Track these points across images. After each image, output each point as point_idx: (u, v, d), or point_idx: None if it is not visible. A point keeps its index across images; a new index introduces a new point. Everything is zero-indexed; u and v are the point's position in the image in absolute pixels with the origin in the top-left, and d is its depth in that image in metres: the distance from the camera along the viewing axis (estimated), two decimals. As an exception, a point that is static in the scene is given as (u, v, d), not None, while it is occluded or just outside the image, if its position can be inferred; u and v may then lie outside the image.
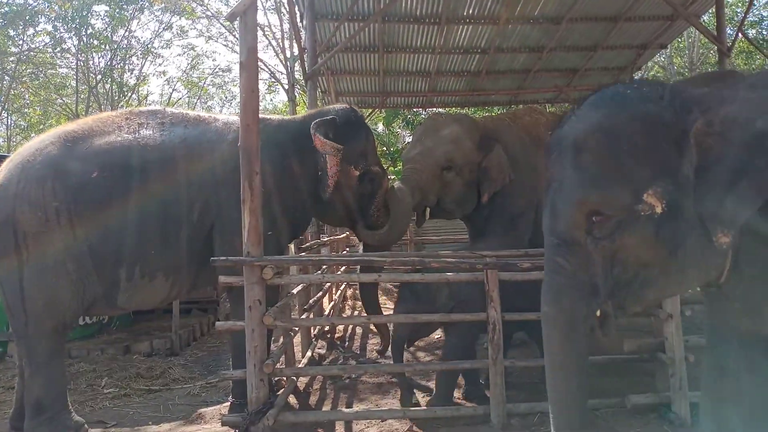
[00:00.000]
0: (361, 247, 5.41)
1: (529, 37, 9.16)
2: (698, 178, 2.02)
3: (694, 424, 3.68)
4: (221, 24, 18.93)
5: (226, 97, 23.44)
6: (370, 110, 12.78)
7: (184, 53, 20.96)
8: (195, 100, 22.90)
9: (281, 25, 16.07)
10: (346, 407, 4.12)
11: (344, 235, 9.30)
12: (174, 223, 4.18)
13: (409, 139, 19.62)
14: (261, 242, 3.80)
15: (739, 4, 15.19)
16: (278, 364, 4.03)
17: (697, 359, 3.93)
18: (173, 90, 22.08)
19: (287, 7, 7.60)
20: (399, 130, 18.66)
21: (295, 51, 11.16)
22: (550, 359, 2.25)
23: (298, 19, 8.12)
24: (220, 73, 23.16)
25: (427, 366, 4.48)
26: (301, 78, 13.88)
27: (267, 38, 17.96)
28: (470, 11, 8.30)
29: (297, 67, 12.77)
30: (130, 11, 16.93)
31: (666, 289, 2.40)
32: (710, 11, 9.32)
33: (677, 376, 3.74)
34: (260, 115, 4.79)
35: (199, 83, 22.01)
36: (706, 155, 2.01)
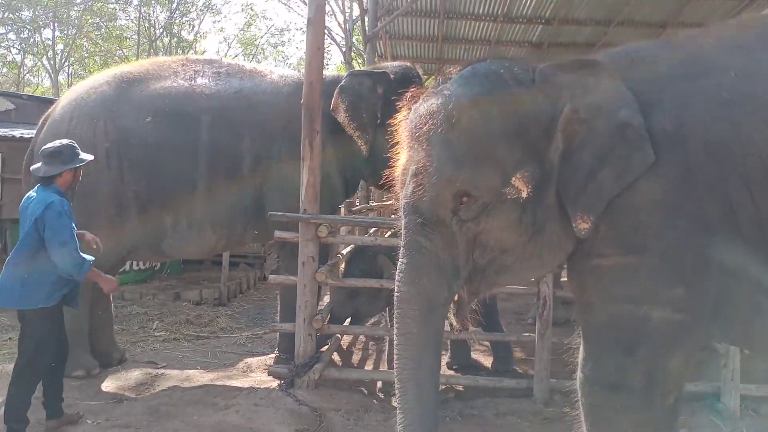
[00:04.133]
0: None
1: (596, 9, 8.81)
2: (563, 164, 2.04)
3: (743, 417, 3.60)
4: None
5: (281, 58, 23.51)
6: (426, 78, 12.57)
7: (242, 10, 20.95)
8: (250, 59, 23.06)
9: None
10: (388, 368, 4.17)
11: (391, 201, 9.32)
12: (224, 176, 4.18)
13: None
14: (318, 200, 3.83)
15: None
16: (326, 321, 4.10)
17: (752, 353, 3.84)
18: (229, 47, 22.26)
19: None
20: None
21: (355, 13, 11.07)
22: (402, 340, 2.13)
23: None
24: (276, 32, 23.14)
25: (472, 336, 4.47)
26: (357, 41, 13.81)
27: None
28: (538, -21, 8.05)
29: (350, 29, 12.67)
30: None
31: (520, 274, 2.37)
32: None
33: (730, 367, 3.65)
34: None
35: (255, 42, 22.11)
36: (571, 142, 2.03)
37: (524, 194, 1.99)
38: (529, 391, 3.87)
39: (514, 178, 1.99)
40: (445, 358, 4.64)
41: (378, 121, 4.44)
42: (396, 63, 4.86)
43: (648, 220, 1.98)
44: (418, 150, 2.09)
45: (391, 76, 4.52)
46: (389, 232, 6.64)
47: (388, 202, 9.06)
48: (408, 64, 4.80)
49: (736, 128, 1.90)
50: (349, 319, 4.93)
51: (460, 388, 3.98)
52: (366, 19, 7.28)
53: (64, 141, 3.25)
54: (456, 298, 2.22)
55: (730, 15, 8.60)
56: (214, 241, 4.41)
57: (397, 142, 2.27)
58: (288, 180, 4.24)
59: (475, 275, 2.16)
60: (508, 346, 4.45)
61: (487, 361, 4.66)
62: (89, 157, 3.29)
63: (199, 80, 4.32)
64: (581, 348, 2.20)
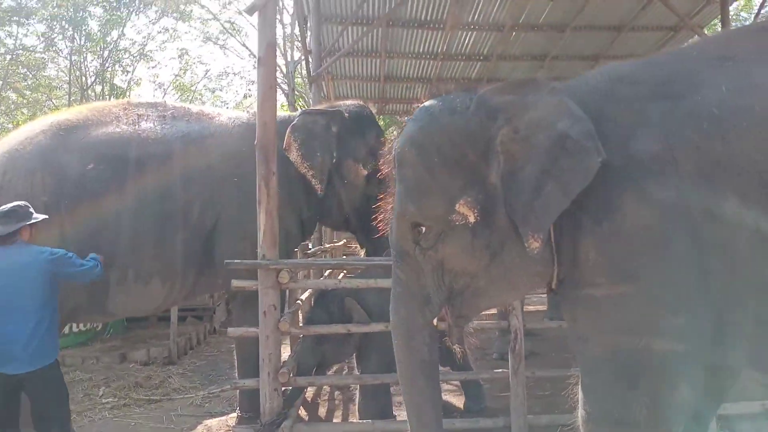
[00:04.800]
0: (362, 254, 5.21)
1: (532, 45, 9.12)
2: (506, 184, 2.03)
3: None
4: (223, 24, 18.81)
5: (219, 103, 23.21)
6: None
7: (178, 56, 20.61)
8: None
9: (282, 30, 16.02)
10: (360, 418, 3.95)
11: (342, 242, 9.17)
12: (172, 224, 3.98)
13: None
14: (277, 245, 3.65)
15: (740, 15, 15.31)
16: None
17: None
18: (165, 93, 21.84)
19: (290, 10, 7.44)
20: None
21: (296, 54, 11.06)
22: (398, 367, 2.30)
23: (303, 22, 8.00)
24: (213, 77, 22.83)
25: (445, 376, 4.33)
26: (297, 84, 13.80)
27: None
28: (475, 17, 8.25)
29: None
30: (125, 13, 16.72)
31: (497, 296, 2.39)
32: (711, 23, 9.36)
33: (706, 389, 3.63)
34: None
35: (192, 87, 21.76)
36: (513, 161, 2.03)
37: (471, 219, 2.04)
38: (506, 430, 3.75)
39: (458, 205, 2.04)
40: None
41: (333, 160, 4.37)
42: (349, 102, 4.80)
43: (641, 246, 1.88)
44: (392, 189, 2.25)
45: (345, 114, 4.47)
46: (342, 274, 6.46)
47: (339, 243, 8.94)
48: (361, 102, 4.76)
49: (728, 146, 1.82)
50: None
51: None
52: (310, 59, 7.21)
53: (17, 201, 3.29)
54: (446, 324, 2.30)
55: (657, 47, 9.07)
56: (163, 294, 4.15)
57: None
58: (238, 225, 4.07)
59: (455, 300, 2.21)
60: (479, 383, 4.33)
61: (458, 402, 4.51)
62: (42, 216, 3.34)
63: (144, 125, 4.12)
64: (580, 383, 2.09)
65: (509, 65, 9.84)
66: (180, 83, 21.02)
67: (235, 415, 4.29)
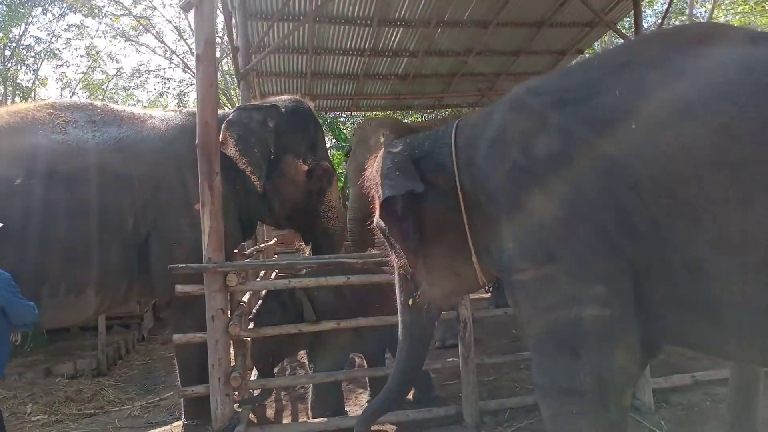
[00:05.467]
0: (308, 251, 5.18)
1: (457, 40, 9.30)
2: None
3: (658, 410, 3.81)
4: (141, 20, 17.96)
5: (133, 101, 22.19)
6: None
7: (86, 54, 19.48)
8: (97, 105, 21.54)
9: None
10: (312, 416, 3.92)
11: (273, 241, 9.03)
12: (106, 234, 3.82)
13: (327, 143, 19.47)
14: (223, 247, 3.56)
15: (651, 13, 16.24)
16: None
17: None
18: (73, 93, 20.67)
19: (220, 7, 7.23)
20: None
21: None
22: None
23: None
24: (125, 75, 21.76)
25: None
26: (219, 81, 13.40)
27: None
28: (402, 14, 8.32)
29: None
30: (28, 8, 15.65)
31: (455, 290, 2.90)
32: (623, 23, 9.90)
33: (641, 365, 3.84)
34: (192, 109, 4.50)
35: (102, 86, 20.71)
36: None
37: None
38: (459, 417, 3.85)
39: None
40: (365, 397, 4.50)
41: (271, 156, 4.28)
42: (286, 96, 4.72)
43: (550, 233, 2.18)
44: None
45: (282, 109, 4.39)
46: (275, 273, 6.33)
47: (271, 242, 8.81)
48: (298, 97, 4.69)
49: (618, 144, 2.05)
50: (255, 372, 4.62)
51: (390, 426, 3.83)
52: (239, 56, 7.04)
53: None
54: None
55: (575, 41, 9.52)
56: (96, 304, 3.96)
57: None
58: (174, 230, 3.96)
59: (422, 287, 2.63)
60: (428, 374, 4.39)
61: (408, 394, 4.56)
62: None
63: (72, 132, 3.91)
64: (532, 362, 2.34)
65: (435, 60, 10.00)
66: (89, 82, 19.93)
67: (179, 423, 4.14)
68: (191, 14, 3.61)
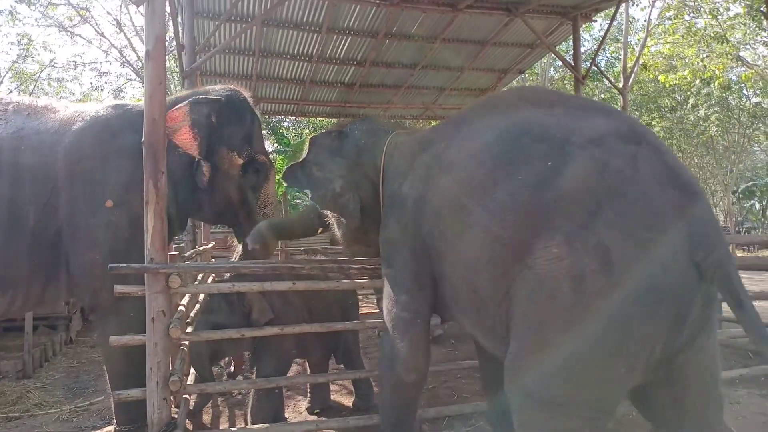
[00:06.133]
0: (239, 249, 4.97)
1: (404, 53, 9.45)
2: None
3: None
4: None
5: (66, 94, 21.28)
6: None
7: (17, 42, 18.55)
8: (27, 96, 20.56)
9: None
10: (251, 422, 3.88)
11: (212, 244, 8.87)
12: (5, 229, 3.62)
13: (270, 148, 19.29)
14: (165, 248, 3.49)
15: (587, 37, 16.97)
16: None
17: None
18: (1, 82, 19.65)
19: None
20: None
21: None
22: None
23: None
24: (58, 66, 20.85)
25: (341, 375, 4.39)
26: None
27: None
28: (351, 23, 8.38)
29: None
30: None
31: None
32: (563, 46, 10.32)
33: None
34: (120, 102, 4.35)
35: (34, 76, 19.78)
36: None
37: None
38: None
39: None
40: (304, 404, 4.49)
41: (205, 149, 4.07)
42: (220, 86, 4.47)
43: (388, 246, 3.20)
44: None
45: (219, 100, 4.16)
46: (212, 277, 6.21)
47: (210, 246, 8.64)
48: (233, 87, 4.44)
49: (437, 182, 2.78)
50: (192, 377, 4.53)
51: (331, 432, 3.85)
52: (183, 54, 6.90)
53: None
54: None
55: (517, 61, 9.85)
56: (5, 305, 3.77)
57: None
58: (87, 232, 3.76)
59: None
60: (369, 381, 4.43)
61: (347, 401, 4.59)
62: None
63: None
64: None
65: (382, 71, 10.12)
66: (21, 71, 18.99)
67: (111, 428, 4.01)
68: (133, 9, 3.52)
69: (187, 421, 4.01)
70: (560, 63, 14.63)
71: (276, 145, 17.05)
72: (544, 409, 2.15)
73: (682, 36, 15.03)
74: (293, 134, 19.02)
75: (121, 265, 3.36)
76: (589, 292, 1.99)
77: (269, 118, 16.16)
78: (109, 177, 3.82)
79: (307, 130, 18.91)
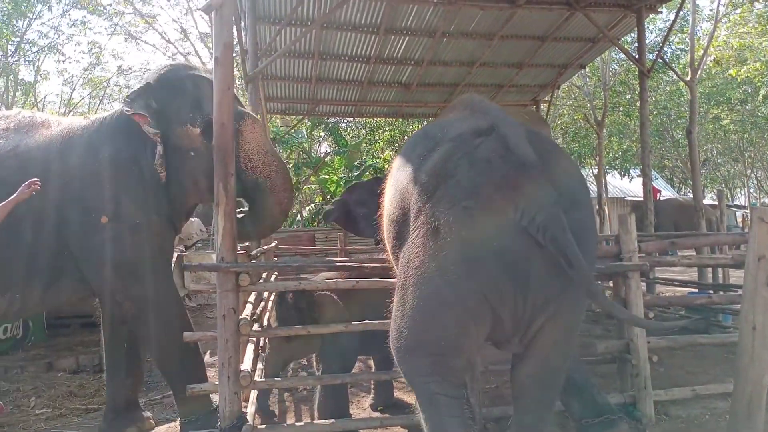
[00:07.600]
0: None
1: (461, 51, 9.41)
2: None
3: (659, 422, 3.88)
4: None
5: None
6: (299, 118, 12.72)
7: (88, 50, 19.51)
8: (98, 102, 21.60)
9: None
10: (318, 416, 3.97)
11: (274, 243, 9.09)
12: (8, 239, 3.76)
13: (328, 148, 19.57)
14: (235, 247, 3.61)
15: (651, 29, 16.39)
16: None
17: (660, 359, 4.18)
18: (73, 89, 20.70)
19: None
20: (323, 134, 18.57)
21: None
22: None
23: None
24: (126, 72, 21.77)
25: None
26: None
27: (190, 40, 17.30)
28: (408, 23, 8.41)
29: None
30: (31, 2, 15.67)
31: None
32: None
33: (642, 376, 3.92)
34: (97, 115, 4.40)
35: (103, 83, 20.74)
36: None
37: None
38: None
39: None
40: (367, 401, 4.55)
41: (159, 139, 3.96)
42: (164, 63, 4.39)
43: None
44: None
45: (154, 84, 4.08)
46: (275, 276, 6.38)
47: (273, 245, 8.85)
48: (172, 62, 4.37)
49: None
50: (260, 373, 4.66)
51: (399, 429, 3.89)
52: (246, 59, 7.11)
53: None
54: None
55: (578, 56, 9.60)
56: (4, 306, 3.91)
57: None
58: (88, 251, 3.90)
59: None
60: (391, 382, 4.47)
61: (410, 398, 4.61)
62: None
63: None
64: None
65: (439, 70, 10.10)
66: (91, 78, 19.96)
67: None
68: (197, 16, 3.65)
69: (255, 415, 4.14)
70: (623, 56, 14.20)
71: (334, 145, 17.25)
72: (400, 353, 2.56)
73: (753, 26, 14.29)
74: (350, 134, 19.22)
75: (193, 264, 3.50)
76: (428, 255, 2.36)
77: (327, 119, 16.38)
78: (98, 194, 3.91)
79: (364, 131, 19.07)
